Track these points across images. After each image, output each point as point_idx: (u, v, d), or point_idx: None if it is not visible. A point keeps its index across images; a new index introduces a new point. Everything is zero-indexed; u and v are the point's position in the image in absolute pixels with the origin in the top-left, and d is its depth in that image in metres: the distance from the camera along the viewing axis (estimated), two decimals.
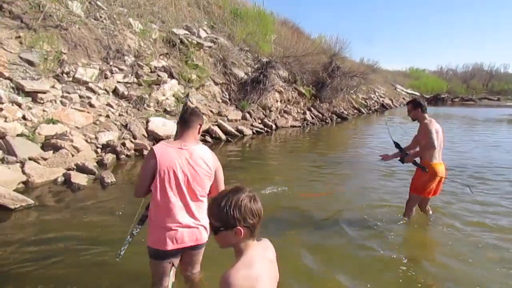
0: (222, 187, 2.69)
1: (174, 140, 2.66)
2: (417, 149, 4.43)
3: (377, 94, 30.40)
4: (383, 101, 29.81)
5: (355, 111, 22.26)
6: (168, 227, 2.48)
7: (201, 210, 2.60)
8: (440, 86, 54.04)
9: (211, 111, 11.89)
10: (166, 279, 2.55)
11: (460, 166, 8.01)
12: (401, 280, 3.24)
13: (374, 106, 26.65)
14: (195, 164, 2.53)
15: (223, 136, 10.78)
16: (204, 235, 2.63)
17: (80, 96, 8.17)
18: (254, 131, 12.44)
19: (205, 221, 2.59)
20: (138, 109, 9.31)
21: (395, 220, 4.57)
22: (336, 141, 12.99)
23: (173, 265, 2.51)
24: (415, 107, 4.34)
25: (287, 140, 12.36)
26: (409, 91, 44.06)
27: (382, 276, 3.33)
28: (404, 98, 39.60)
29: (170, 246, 2.49)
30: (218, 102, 12.75)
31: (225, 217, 1.42)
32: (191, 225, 2.55)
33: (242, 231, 1.43)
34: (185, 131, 2.60)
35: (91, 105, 8.19)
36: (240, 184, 1.52)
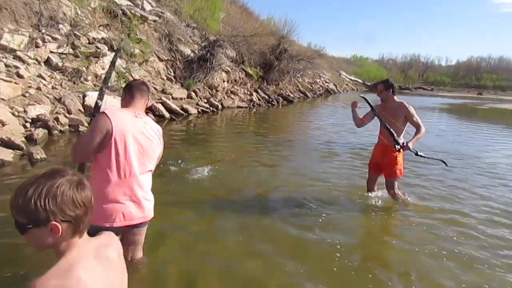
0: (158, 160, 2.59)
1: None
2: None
3: (322, 79, 31.24)
4: (328, 86, 30.71)
5: (301, 94, 22.73)
6: (116, 200, 2.23)
7: (149, 183, 2.46)
8: (381, 74, 56.81)
9: (155, 88, 11.45)
10: None
11: None
12: (333, 260, 3.32)
13: (319, 91, 27.40)
14: (149, 135, 2.36)
15: (167, 114, 10.46)
16: (151, 211, 2.45)
17: (6, 65, 7.42)
18: (200, 111, 12.23)
19: (152, 196, 2.47)
20: (74, 83, 8.69)
21: (330, 200, 4.73)
22: (282, 123, 13.18)
23: None
24: (387, 88, 4.30)
25: (233, 120, 12.31)
26: (352, 77, 45.83)
27: (311, 254, 3.34)
28: (347, 84, 41.20)
29: (118, 222, 2.23)
30: (163, 79, 12.31)
31: (33, 210, 1.04)
32: (141, 199, 2.34)
33: (60, 227, 1.07)
34: (137, 99, 2.40)
35: (20, 76, 7.48)
36: (60, 166, 1.17)
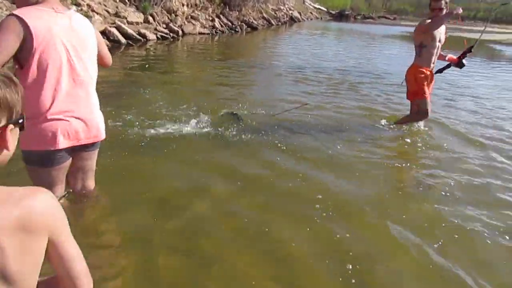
0: (108, 61, 2.17)
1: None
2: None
3: (286, 6, 29.98)
4: (292, 14, 29.61)
5: (265, 22, 21.83)
6: (55, 117, 1.81)
7: (95, 96, 2.03)
8: (344, 3, 55.25)
9: (107, 11, 10.47)
10: (60, 187, 2.04)
11: (364, 74, 8.49)
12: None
13: (284, 18, 26.41)
14: (80, 32, 1.88)
15: (122, 40, 9.71)
16: (102, 131, 2.08)
17: None
18: (159, 36, 11.46)
19: (101, 113, 2.08)
20: None
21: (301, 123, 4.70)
22: (248, 49, 12.72)
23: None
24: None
25: (196, 47, 11.70)
26: (316, 5, 44.38)
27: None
28: (311, 13, 39.98)
29: (62, 142, 1.85)
30: (115, 1, 11.23)
31: None
32: (86, 116, 1.94)
33: None
34: None
35: None
36: None
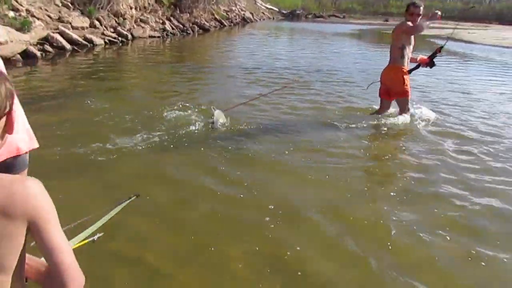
0: None
1: None
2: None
3: (238, 7, 30.03)
4: (244, 14, 29.72)
5: (217, 23, 21.73)
6: None
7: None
8: (295, 3, 56.32)
9: (49, 16, 9.96)
10: None
11: (316, 70, 8.68)
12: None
13: (236, 19, 26.44)
14: None
15: (67, 46, 9.28)
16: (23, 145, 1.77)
17: None
18: (107, 41, 11.08)
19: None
20: None
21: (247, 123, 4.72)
22: (201, 51, 12.59)
23: None
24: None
25: (146, 50, 11.44)
26: (268, 6, 44.83)
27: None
28: (263, 13, 40.34)
29: None
30: (57, 5, 10.71)
31: None
32: None
33: None
34: None
35: None
36: None
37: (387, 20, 60.68)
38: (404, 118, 4.70)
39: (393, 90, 4.65)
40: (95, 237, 1.57)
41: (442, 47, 4.65)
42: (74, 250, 0.92)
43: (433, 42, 5.27)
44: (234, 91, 6.24)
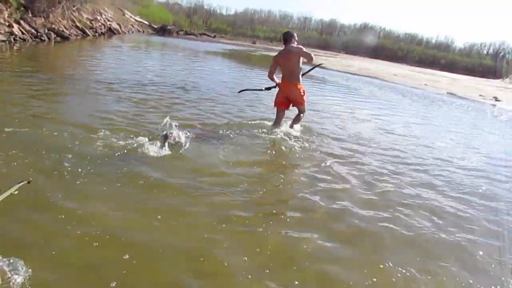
0: None
1: None
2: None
3: (104, 16, 28.18)
4: (110, 25, 28.03)
5: (79, 31, 19.93)
6: None
7: None
8: (167, 18, 55.97)
9: None
10: None
11: (183, 86, 8.57)
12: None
13: (101, 29, 24.73)
14: None
15: None
16: None
17: None
18: None
19: None
20: None
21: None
22: (59, 62, 11.25)
23: None
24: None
25: None
26: (138, 18, 43.34)
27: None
28: (132, 25, 38.83)
29: None
30: None
31: None
32: None
33: None
34: None
35: None
36: None
37: (254, 42, 65.30)
38: (299, 127, 5.73)
39: (294, 99, 5.50)
40: None
41: (309, 70, 5.87)
42: None
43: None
44: (96, 108, 5.67)
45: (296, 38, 5.41)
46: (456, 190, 4.35)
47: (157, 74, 10.29)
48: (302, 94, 5.46)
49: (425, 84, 23.33)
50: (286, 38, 5.37)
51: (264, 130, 5.46)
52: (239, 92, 6.79)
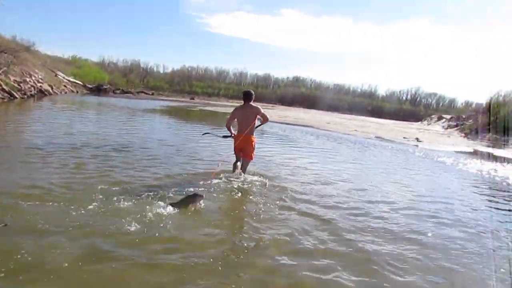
0: None
1: None
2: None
3: (34, 78, 27.18)
4: (41, 86, 27.05)
5: (6, 94, 18.98)
6: None
7: None
8: (102, 77, 55.40)
9: None
10: None
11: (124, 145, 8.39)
12: None
13: (31, 91, 23.75)
14: None
15: None
16: None
17: None
18: None
19: None
20: None
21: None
22: None
23: None
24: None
25: None
26: (71, 79, 42.37)
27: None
28: (65, 86, 37.80)
29: None
30: None
31: None
32: None
33: None
34: None
35: None
36: None
37: (193, 98, 66.36)
38: (245, 176, 6.23)
39: (244, 152, 6.24)
40: None
41: (260, 125, 6.51)
42: None
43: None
44: (28, 177, 5.32)
45: (254, 97, 6.31)
46: (391, 233, 4.65)
47: (92, 135, 9.90)
48: (253, 147, 6.25)
49: (355, 130, 25.12)
50: (247, 97, 6.21)
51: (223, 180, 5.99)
52: (202, 134, 8.89)
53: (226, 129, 6.42)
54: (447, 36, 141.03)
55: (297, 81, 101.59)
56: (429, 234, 4.62)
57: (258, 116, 6.18)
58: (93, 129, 11.33)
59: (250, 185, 5.94)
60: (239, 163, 6.41)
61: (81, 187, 4.94)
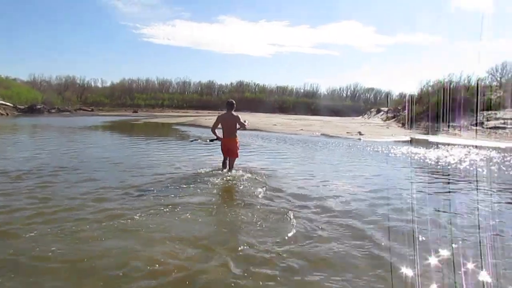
0: None
1: None
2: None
3: None
4: None
5: None
6: None
7: None
8: (35, 97, 52.10)
9: None
10: None
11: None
12: None
13: None
14: None
15: None
16: None
17: None
18: None
19: None
20: None
21: None
22: None
23: None
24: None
25: None
26: (0, 101, 39.35)
27: None
28: None
29: None
30: None
31: None
32: None
33: None
34: None
35: None
36: None
37: (136, 111, 64.48)
38: (234, 172, 7.44)
39: (230, 151, 7.44)
40: None
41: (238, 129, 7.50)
42: None
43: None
44: None
45: (235, 107, 7.48)
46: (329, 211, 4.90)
47: (26, 160, 9.21)
48: (238, 147, 7.49)
49: (301, 130, 25.92)
50: (230, 106, 7.42)
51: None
52: (190, 141, 10.86)
53: (212, 133, 7.66)
54: (373, 36, 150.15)
55: (241, 86, 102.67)
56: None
57: (238, 123, 7.34)
58: (27, 154, 10.55)
59: (236, 181, 6.90)
60: (227, 161, 7.59)
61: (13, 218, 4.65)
